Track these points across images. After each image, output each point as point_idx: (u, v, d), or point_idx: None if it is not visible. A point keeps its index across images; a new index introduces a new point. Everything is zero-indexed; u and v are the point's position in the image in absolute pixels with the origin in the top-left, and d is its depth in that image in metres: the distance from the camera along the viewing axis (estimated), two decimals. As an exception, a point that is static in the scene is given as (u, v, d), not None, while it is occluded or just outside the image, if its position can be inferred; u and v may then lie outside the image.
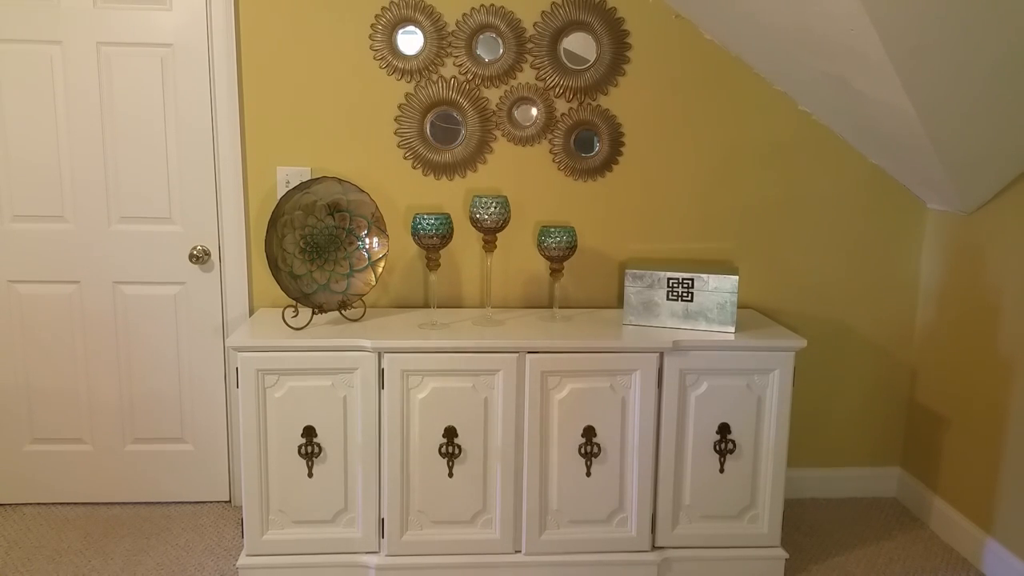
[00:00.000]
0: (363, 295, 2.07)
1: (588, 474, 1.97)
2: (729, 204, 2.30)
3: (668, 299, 2.03)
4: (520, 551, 2.00)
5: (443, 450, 1.92)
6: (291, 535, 1.95)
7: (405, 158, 2.19)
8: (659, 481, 2.00)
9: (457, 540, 1.98)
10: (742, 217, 2.30)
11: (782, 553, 2.05)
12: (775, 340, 1.99)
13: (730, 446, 1.99)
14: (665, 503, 2.02)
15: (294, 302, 1.98)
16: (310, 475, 1.92)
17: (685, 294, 2.02)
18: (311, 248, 2.04)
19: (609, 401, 1.95)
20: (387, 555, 1.97)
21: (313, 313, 1.98)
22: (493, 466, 1.96)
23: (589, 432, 1.96)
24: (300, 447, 1.90)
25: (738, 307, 2.09)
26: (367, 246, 2.09)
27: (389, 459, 1.92)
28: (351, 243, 2.08)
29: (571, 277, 2.28)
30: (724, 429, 1.99)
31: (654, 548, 2.03)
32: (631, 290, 2.06)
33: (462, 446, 1.93)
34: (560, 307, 2.19)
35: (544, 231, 2.07)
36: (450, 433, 1.92)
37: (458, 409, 1.92)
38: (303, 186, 2.01)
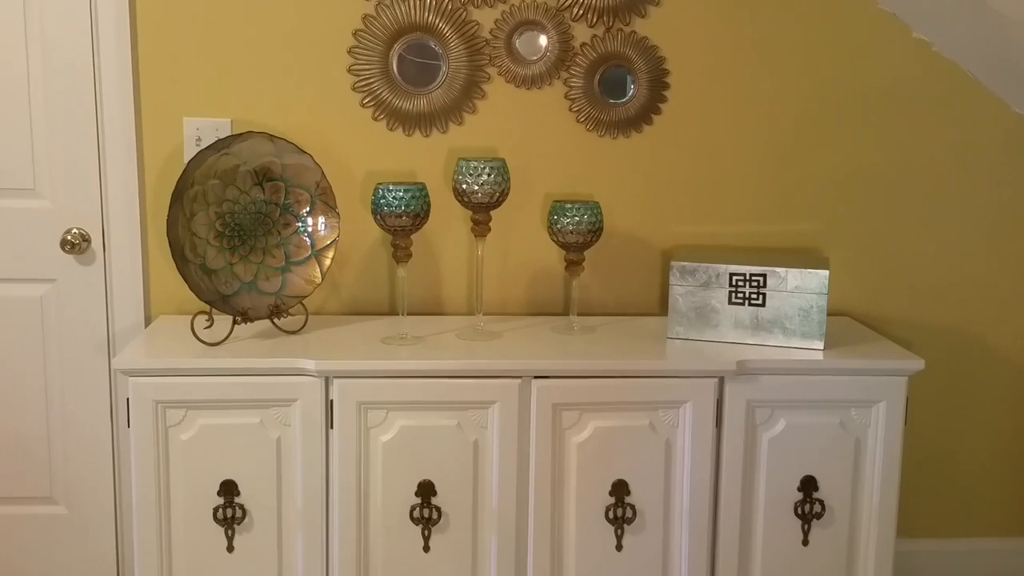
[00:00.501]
0: (304, 297, 2.07)
1: (619, 547, 1.97)
2: (816, 171, 2.29)
3: (731, 303, 2.03)
4: (523, 655, 2.00)
5: (417, 514, 1.92)
6: (204, 632, 1.95)
7: (364, 105, 2.18)
8: (718, 557, 2.00)
9: (435, 640, 1.99)
10: (834, 189, 2.30)
11: (889, 657, 2.06)
12: (881, 360, 1.98)
13: (817, 508, 1.98)
14: (726, 588, 2.02)
15: (208, 307, 1.96)
16: (230, 549, 1.91)
17: (754, 296, 2.02)
18: (232, 232, 2.03)
19: (648, 446, 1.95)
20: (337, 660, 1.97)
21: (235, 322, 1.98)
22: (486, 537, 1.95)
23: (620, 489, 1.95)
24: (216, 510, 1.90)
25: (829, 314, 2.08)
26: (310, 229, 2.08)
27: (341, 527, 1.92)
28: (287, 225, 2.07)
29: (595, 272, 2.27)
30: (809, 485, 1.98)
31: (711, 650, 2.04)
32: (679, 290, 2.05)
33: (443, 509, 1.93)
34: (580, 314, 2.17)
35: (558, 208, 2.06)
36: (426, 491, 1.92)
37: (437, 457, 1.92)
38: (220, 145, 2.00)
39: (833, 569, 2.02)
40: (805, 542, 2.00)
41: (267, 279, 2.05)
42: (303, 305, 2.09)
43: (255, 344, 1.98)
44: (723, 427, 1.96)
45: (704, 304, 2.04)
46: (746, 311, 2.03)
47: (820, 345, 2.00)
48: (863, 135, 2.28)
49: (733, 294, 2.03)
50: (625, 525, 1.96)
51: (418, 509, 1.92)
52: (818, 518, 1.98)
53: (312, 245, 2.08)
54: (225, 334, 1.97)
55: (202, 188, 2.00)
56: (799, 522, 1.99)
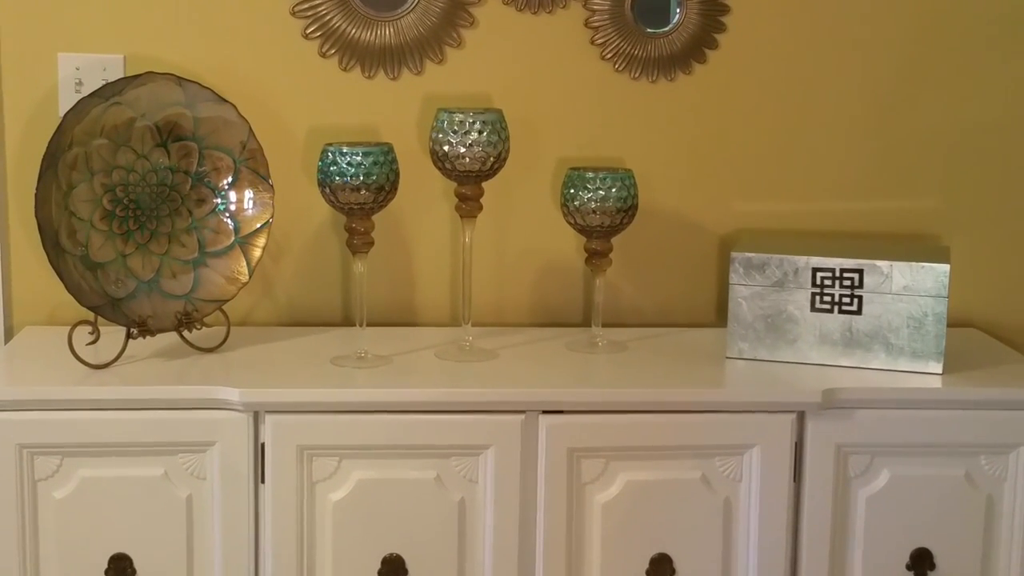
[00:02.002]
0: (225, 302, 2.06)
1: (659, 647, 1.96)
2: (929, 127, 2.29)
3: (814, 309, 2.01)
4: None
5: (380, 601, 1.91)
6: None
7: (307, 36, 2.18)
8: (796, 660, 2.00)
9: None
10: (954, 152, 2.30)
11: None
12: (1021, 389, 1.96)
13: (933, 592, 1.98)
14: None
15: (92, 315, 1.96)
16: (123, 648, 1.91)
17: (846, 299, 2.00)
18: (125, 211, 2.02)
19: (700, 507, 1.94)
20: None
21: (129, 336, 1.97)
22: (476, 632, 1.94)
23: (662, 567, 1.94)
24: (103, 595, 1.89)
25: (951, 324, 2.06)
26: (232, 208, 2.07)
27: (275, 618, 1.91)
28: (202, 202, 2.07)
29: (627, 267, 2.27)
30: (923, 561, 1.97)
31: None
32: (743, 292, 2.03)
33: (416, 593, 1.92)
34: (606, 325, 2.17)
35: (576, 179, 2.06)
36: (394, 569, 1.91)
37: (409, 523, 1.91)
38: (110, 91, 2.00)
39: (954, 676, 2.01)
40: (917, 639, 1.99)
41: (174, 277, 2.05)
42: (223, 312, 2.09)
43: (157, 366, 1.97)
44: (803, 481, 1.94)
45: (778, 311, 2.03)
46: (835, 321, 2.01)
47: (938, 368, 1.99)
48: (994, 78, 2.29)
49: (818, 297, 2.01)
50: (668, 616, 1.95)
51: (382, 594, 1.91)
52: (935, 606, 1.98)
53: (236, 230, 2.07)
54: (116, 353, 1.96)
55: (84, 151, 1.99)
56: (909, 612, 1.99)
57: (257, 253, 2.07)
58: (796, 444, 1.93)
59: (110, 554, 1.87)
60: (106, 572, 1.88)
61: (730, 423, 1.92)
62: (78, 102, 1.97)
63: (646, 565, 1.94)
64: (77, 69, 2.13)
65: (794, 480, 1.94)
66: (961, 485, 1.95)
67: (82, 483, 1.86)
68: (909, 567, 1.96)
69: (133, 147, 2.02)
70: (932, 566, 1.96)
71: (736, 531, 1.95)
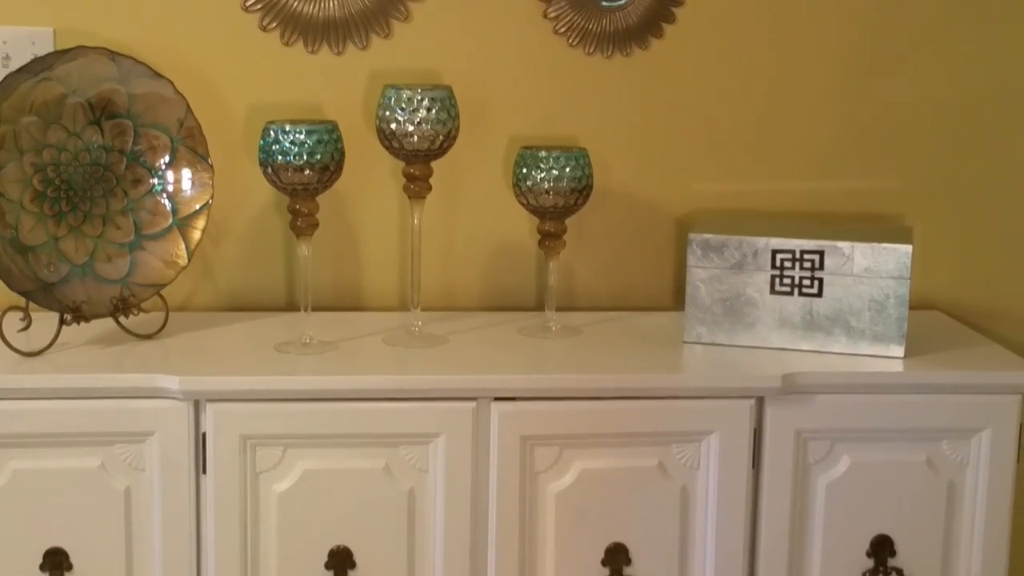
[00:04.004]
0: (163, 286, 2.06)
1: (615, 639, 1.98)
2: (895, 103, 2.31)
3: (774, 292, 2.03)
4: None
5: (326, 595, 1.92)
6: None
7: (248, 9, 2.18)
8: (755, 651, 2.02)
9: None
10: (920, 129, 2.31)
11: None
12: (984, 372, 1.99)
13: (894, 581, 2.01)
14: None
15: (23, 300, 1.95)
16: (58, 647, 1.91)
17: (807, 282, 2.02)
18: (57, 192, 2.01)
19: (657, 495, 1.95)
20: None
21: (62, 322, 1.97)
22: (426, 626, 1.96)
23: (618, 557, 1.96)
24: (37, 591, 1.89)
25: (913, 307, 2.08)
26: (170, 188, 2.07)
27: (218, 614, 1.91)
28: (138, 182, 2.06)
29: (581, 250, 2.28)
30: (883, 548, 1.99)
31: None
32: (701, 275, 2.05)
33: (364, 587, 1.93)
34: (559, 309, 2.18)
35: (528, 158, 2.07)
36: (341, 561, 1.92)
37: (357, 514, 1.91)
38: (38, 66, 1.98)
39: (916, 666, 2.04)
40: (877, 627, 2.02)
41: (109, 260, 2.04)
42: (161, 298, 2.08)
43: (92, 353, 1.97)
44: (762, 467, 1.96)
45: (736, 294, 2.05)
46: (795, 304, 2.03)
47: (900, 351, 2.01)
48: (958, 57, 2.30)
49: (777, 279, 2.03)
50: (624, 608, 1.97)
51: (329, 588, 1.92)
52: (895, 595, 2.01)
53: (174, 211, 2.07)
54: (49, 339, 1.95)
55: (12, 128, 1.98)
56: (869, 600, 2.01)
57: (196, 236, 2.07)
58: (755, 430, 1.94)
59: (45, 548, 1.87)
60: (41, 567, 1.87)
61: (687, 409, 1.94)
62: (5, 77, 1.96)
63: (601, 555, 1.95)
64: (4, 43, 2.11)
65: (753, 467, 1.95)
66: (922, 471, 1.97)
67: (15, 476, 1.86)
68: (869, 554, 1.98)
69: (64, 125, 2.01)
70: (892, 553, 1.98)
71: (694, 519, 1.96)
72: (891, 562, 1.99)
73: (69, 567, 1.88)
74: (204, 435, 1.87)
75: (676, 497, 1.95)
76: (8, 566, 1.88)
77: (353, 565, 1.91)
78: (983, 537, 1.99)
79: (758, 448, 1.95)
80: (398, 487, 1.91)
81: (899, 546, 1.99)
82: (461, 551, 1.93)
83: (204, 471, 1.88)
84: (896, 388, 1.97)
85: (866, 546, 1.99)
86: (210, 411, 1.86)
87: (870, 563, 1.99)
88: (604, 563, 1.95)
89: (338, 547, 1.91)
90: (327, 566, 1.91)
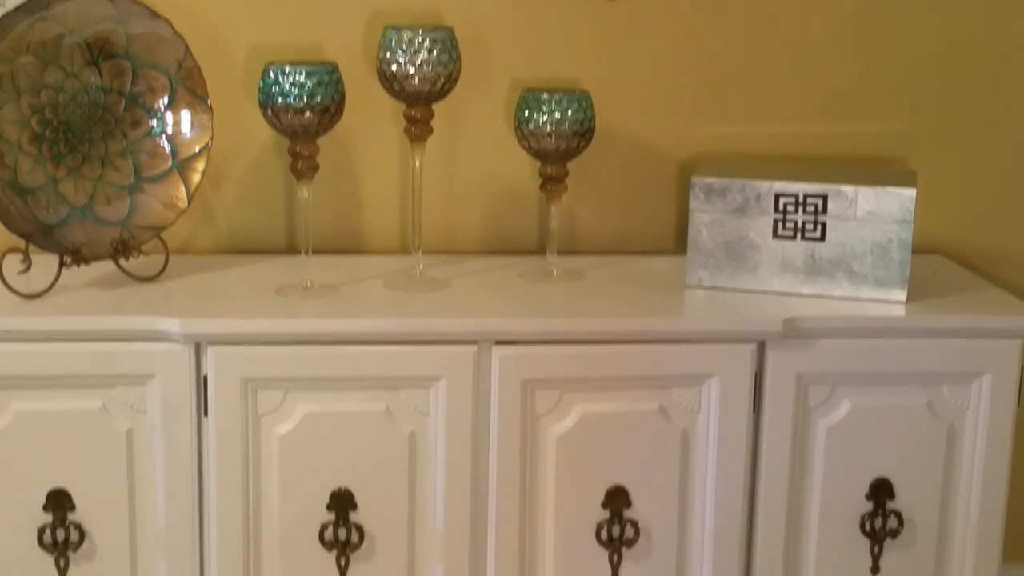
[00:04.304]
0: (163, 229, 2.06)
1: (615, 581, 2.00)
2: (897, 51, 2.30)
3: (776, 236, 2.04)
4: None
5: (329, 536, 1.93)
6: None
7: (247, -50, 2.17)
8: (754, 593, 2.04)
9: None
10: (926, 71, 2.31)
11: None
12: (986, 316, 2.00)
13: (893, 523, 2.01)
14: (765, 636, 2.05)
15: (22, 242, 1.95)
16: (62, 587, 1.93)
17: (810, 226, 2.02)
18: (55, 134, 2.01)
19: (657, 439, 1.97)
20: None
21: (62, 265, 1.97)
22: (427, 567, 1.97)
23: (618, 499, 1.97)
24: (42, 531, 1.90)
25: (916, 251, 2.08)
26: (169, 130, 2.07)
27: (221, 554, 1.93)
28: (137, 124, 2.06)
29: (583, 193, 2.28)
30: (882, 491, 2.01)
31: None
32: (703, 219, 2.05)
33: (365, 528, 1.94)
34: (561, 253, 2.18)
35: (530, 100, 2.06)
36: (342, 503, 1.93)
37: (358, 456, 1.93)
38: (35, 5, 1.97)
39: (913, 607, 2.06)
40: (875, 569, 2.03)
41: (108, 203, 2.04)
42: (161, 240, 2.08)
43: (93, 296, 1.97)
44: (763, 411, 1.97)
45: (738, 238, 2.05)
46: (798, 248, 2.03)
47: (902, 295, 2.01)
48: (965, -4, 2.29)
49: (780, 223, 2.03)
50: (624, 549, 1.98)
51: (331, 529, 1.93)
52: (894, 536, 2.01)
53: (173, 153, 2.07)
54: (49, 282, 1.96)
55: (10, 69, 1.97)
56: (867, 542, 2.02)
57: (196, 178, 2.07)
58: (756, 374, 1.95)
59: (48, 489, 1.88)
60: (44, 508, 1.89)
61: (688, 353, 1.94)
62: (2, 17, 1.95)
63: (602, 498, 1.96)
64: (0, -19, 2.10)
65: (753, 411, 1.96)
66: (923, 415, 1.98)
67: (16, 418, 1.87)
68: (869, 497, 2.00)
69: (62, 65, 2.00)
70: (892, 496, 2.00)
71: (694, 463, 1.97)
72: (890, 505, 2.00)
73: (72, 508, 1.90)
74: (205, 378, 1.88)
75: (676, 441, 1.96)
76: (11, 507, 1.89)
77: (354, 507, 1.93)
78: (982, 481, 2.00)
79: (759, 392, 1.96)
80: (399, 430, 1.92)
81: (898, 489, 2.00)
82: (462, 494, 1.94)
83: (205, 414, 1.89)
84: (897, 332, 1.97)
85: (865, 489, 2.00)
86: (211, 354, 1.87)
87: (869, 506, 2.00)
88: (604, 506, 1.97)
89: (339, 489, 1.92)
90: (328, 508, 1.92)
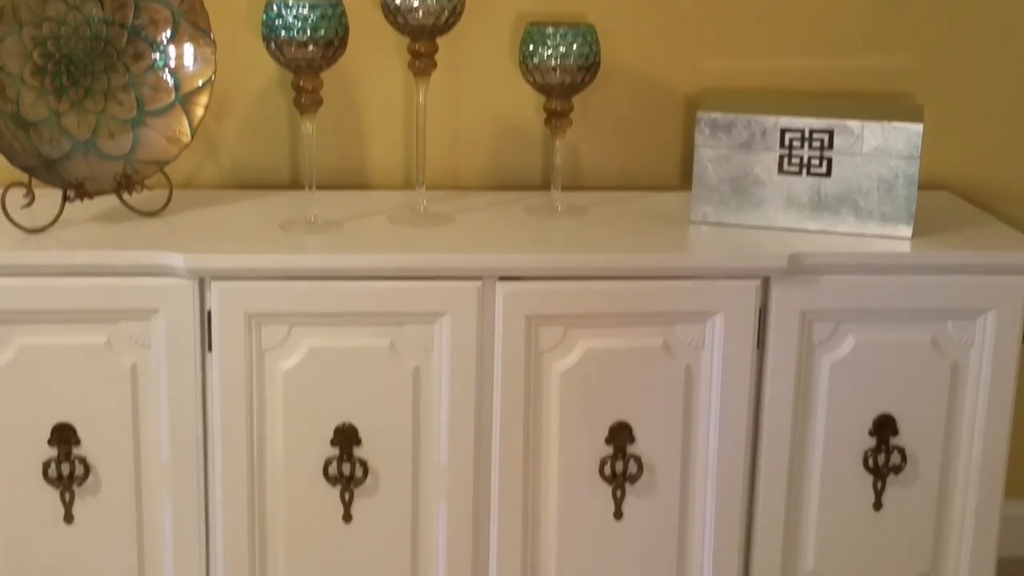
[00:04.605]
0: (166, 163, 2.06)
1: (618, 515, 2.01)
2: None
3: (782, 171, 2.03)
4: (485, 663, 2.06)
5: (333, 471, 1.95)
6: (34, 637, 1.98)
7: None
8: (756, 528, 2.05)
9: (362, 643, 2.03)
10: (930, 9, 2.30)
11: (990, 663, 2.13)
12: (992, 252, 2.00)
13: (896, 459, 2.02)
14: (766, 569, 2.06)
15: (26, 176, 1.95)
16: (68, 519, 1.94)
17: (816, 161, 2.02)
18: (58, 67, 2.01)
19: (661, 375, 1.97)
20: (225, 673, 2.01)
21: (66, 199, 1.97)
22: (430, 503, 1.98)
23: (621, 435, 1.99)
24: (47, 465, 1.92)
25: (922, 187, 2.07)
26: (172, 63, 2.06)
27: (226, 489, 1.94)
28: (139, 57, 2.05)
29: (588, 129, 2.28)
30: (886, 427, 2.02)
31: (744, 655, 2.10)
32: (709, 154, 2.05)
33: (369, 464, 1.95)
34: (566, 189, 2.18)
35: (535, 34, 2.05)
36: (346, 438, 1.94)
37: (362, 392, 1.93)
38: (38, -63, 1.97)
39: (915, 541, 2.07)
40: (878, 505, 2.05)
41: (111, 137, 2.04)
42: (165, 175, 2.08)
43: (96, 230, 1.97)
44: (767, 348, 1.98)
45: (744, 173, 2.04)
46: (804, 184, 2.03)
47: (907, 231, 2.01)
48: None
49: (786, 159, 2.03)
50: (627, 484, 1.99)
51: (335, 464, 1.94)
52: (896, 472, 2.03)
53: (176, 87, 2.06)
54: (52, 216, 1.96)
55: (11, 0, 1.96)
56: (870, 478, 2.03)
57: (199, 112, 2.06)
58: (760, 310, 1.95)
59: (53, 424, 1.89)
60: (49, 443, 1.90)
61: (693, 289, 1.94)
62: (4, -50, 1.94)
63: (605, 434, 1.97)
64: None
65: (757, 347, 1.97)
66: (927, 351, 1.99)
67: (21, 352, 1.87)
68: (872, 433, 2.01)
69: (65, -2, 2.00)
70: (895, 432, 2.01)
71: (697, 399, 1.98)
72: (893, 441, 2.01)
73: (77, 442, 1.91)
74: (209, 313, 1.88)
75: (680, 377, 1.97)
76: (17, 440, 1.90)
77: (358, 443, 1.94)
78: (985, 417, 2.01)
79: (763, 328, 1.97)
80: (403, 366, 1.93)
81: (901, 426, 2.01)
82: (466, 429, 1.95)
83: (210, 349, 1.90)
84: (902, 268, 1.97)
85: (869, 425, 2.01)
86: (215, 289, 1.87)
87: (872, 442, 2.01)
88: (608, 442, 1.98)
89: (344, 424, 1.93)
90: (333, 443, 1.93)
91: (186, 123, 2.06)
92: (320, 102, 1.99)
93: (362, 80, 2.23)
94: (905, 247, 1.99)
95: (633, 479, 1.98)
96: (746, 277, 1.95)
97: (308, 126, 2.01)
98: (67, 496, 1.92)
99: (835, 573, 2.07)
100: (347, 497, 1.94)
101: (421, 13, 1.97)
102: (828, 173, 2.02)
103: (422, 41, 2.00)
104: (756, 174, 2.04)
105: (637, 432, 1.98)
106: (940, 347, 1.99)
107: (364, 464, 1.94)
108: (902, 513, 2.05)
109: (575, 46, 2.03)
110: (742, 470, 2.00)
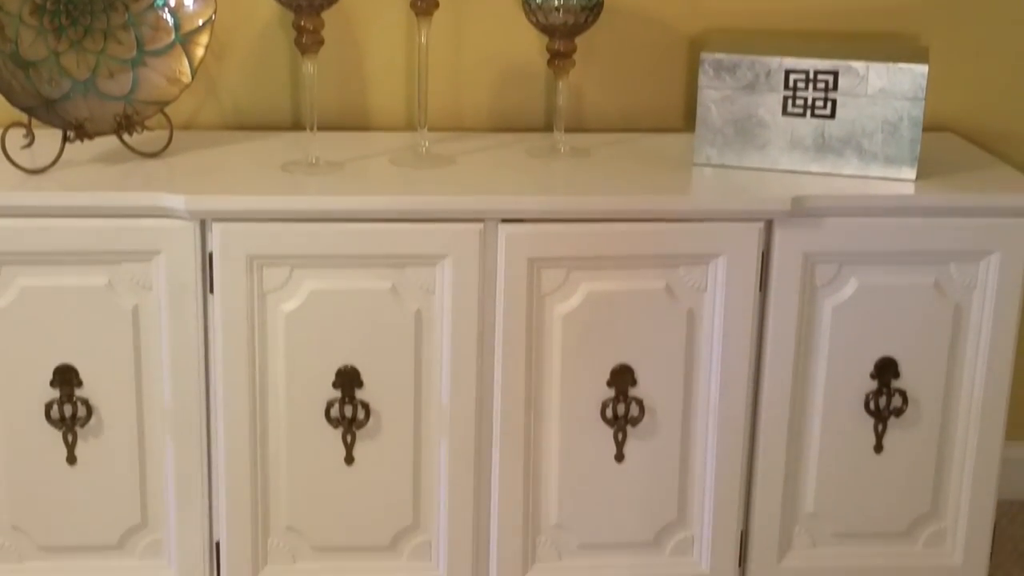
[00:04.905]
0: (167, 104, 2.05)
1: (619, 457, 2.02)
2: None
3: (786, 113, 2.03)
4: (487, 603, 2.08)
5: (335, 413, 1.95)
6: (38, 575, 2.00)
7: None
8: (757, 471, 2.06)
9: (364, 583, 2.05)
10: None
11: (989, 603, 2.15)
12: (996, 194, 2.00)
13: (897, 402, 2.03)
14: (767, 511, 2.07)
15: (25, 117, 1.94)
16: (71, 460, 1.95)
17: (820, 103, 2.01)
18: (56, 5, 1.99)
19: (663, 318, 1.98)
20: (228, 612, 2.03)
21: (65, 139, 1.96)
22: (432, 445, 1.99)
23: (623, 378, 1.99)
24: (50, 407, 1.92)
25: (927, 129, 2.07)
26: (171, 3, 2.05)
27: (228, 431, 1.95)
28: (139, -4, 2.05)
29: (591, 69, 2.27)
30: (887, 370, 2.02)
31: (744, 595, 2.12)
32: (712, 95, 2.04)
33: (371, 406, 1.96)
34: (569, 130, 2.17)
35: (536, -27, 2.03)
36: (348, 380, 1.95)
37: (364, 334, 1.94)
38: None
39: (915, 483, 2.09)
40: (878, 448, 2.06)
41: (111, 77, 2.03)
42: (165, 115, 2.08)
43: (97, 171, 1.97)
44: (769, 290, 1.98)
45: (748, 115, 2.04)
46: (808, 125, 2.02)
47: (912, 174, 2.01)
48: None
49: (790, 100, 2.02)
50: (629, 427, 2.00)
51: (337, 406, 1.95)
52: (898, 415, 2.03)
53: (176, 26, 2.05)
54: (52, 157, 1.95)
55: (9, -61, 1.95)
56: (871, 421, 2.04)
57: (200, 52, 2.05)
58: (763, 253, 1.95)
59: (55, 365, 1.90)
60: (51, 384, 1.91)
61: (695, 232, 1.94)
62: None
63: (607, 376, 1.98)
64: None
65: (760, 290, 1.97)
66: (929, 294, 1.99)
67: (22, 293, 1.88)
68: (873, 376, 2.01)
69: (64, -64, 1.98)
70: (896, 375, 2.01)
71: (699, 341, 1.99)
72: (895, 384, 2.02)
73: (79, 384, 1.92)
74: (210, 255, 1.88)
75: (682, 320, 1.97)
76: (19, 382, 1.91)
77: (360, 385, 1.94)
78: (987, 360, 2.02)
79: (765, 271, 1.97)
80: (405, 308, 1.93)
81: (903, 368, 2.02)
82: (467, 372, 1.96)
83: (211, 291, 1.90)
84: (906, 211, 1.97)
85: (870, 368, 2.02)
86: (216, 231, 1.87)
87: (874, 385, 2.02)
88: (610, 384, 1.99)
89: (345, 367, 1.94)
90: (335, 386, 1.94)
91: (186, 63, 2.05)
92: (321, 42, 1.98)
93: (363, 20, 2.22)
94: (909, 189, 1.99)
95: (634, 422, 1.99)
96: (749, 220, 1.94)
97: (309, 67, 2.00)
98: (70, 437, 1.93)
99: (835, 515, 2.08)
100: (349, 439, 1.96)
101: (423, -48, 1.96)
102: (832, 115, 2.01)
103: (425, -19, 2.00)
104: (760, 116, 2.03)
105: (639, 375, 1.99)
106: (943, 290, 1.99)
107: (366, 406, 1.95)
108: (902, 456, 2.06)
109: (578, -13, 2.02)
110: (743, 413, 2.01)
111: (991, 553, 2.14)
